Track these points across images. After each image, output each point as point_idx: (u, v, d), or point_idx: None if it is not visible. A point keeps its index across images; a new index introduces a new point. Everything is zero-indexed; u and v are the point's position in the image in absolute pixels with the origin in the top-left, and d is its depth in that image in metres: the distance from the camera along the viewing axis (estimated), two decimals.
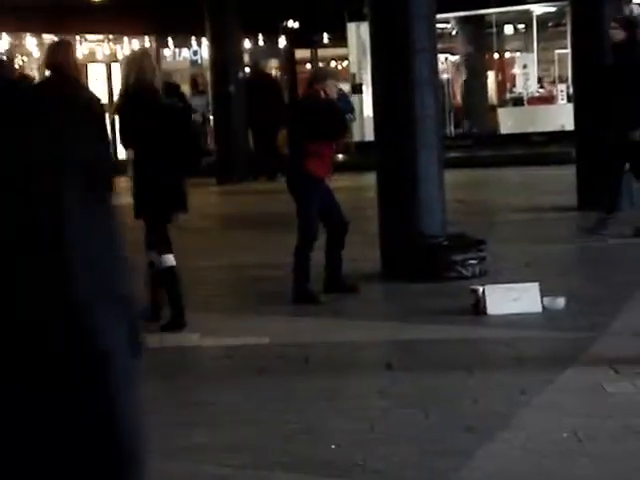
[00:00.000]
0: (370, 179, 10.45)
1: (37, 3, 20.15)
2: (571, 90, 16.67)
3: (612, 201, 10.77)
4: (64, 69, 7.54)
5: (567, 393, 5.72)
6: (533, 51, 23.90)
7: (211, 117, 22.20)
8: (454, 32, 24.83)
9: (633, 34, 10.67)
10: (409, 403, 5.69)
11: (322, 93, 8.51)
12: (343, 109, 8.69)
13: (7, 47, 22.82)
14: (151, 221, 7.82)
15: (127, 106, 7.89)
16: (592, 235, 10.59)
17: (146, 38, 25.11)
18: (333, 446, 5.11)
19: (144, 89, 7.73)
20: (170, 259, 7.84)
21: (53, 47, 7.97)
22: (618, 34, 10.74)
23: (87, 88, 8.21)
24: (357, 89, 23.17)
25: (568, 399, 5.61)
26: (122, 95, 8.07)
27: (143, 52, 8.40)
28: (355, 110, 20.75)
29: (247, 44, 23.89)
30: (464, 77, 24.66)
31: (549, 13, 23.85)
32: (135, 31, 24.53)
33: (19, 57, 23.50)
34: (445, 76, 24.61)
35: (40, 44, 23.75)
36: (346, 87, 22.81)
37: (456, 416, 5.46)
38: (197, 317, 8.22)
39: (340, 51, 26.00)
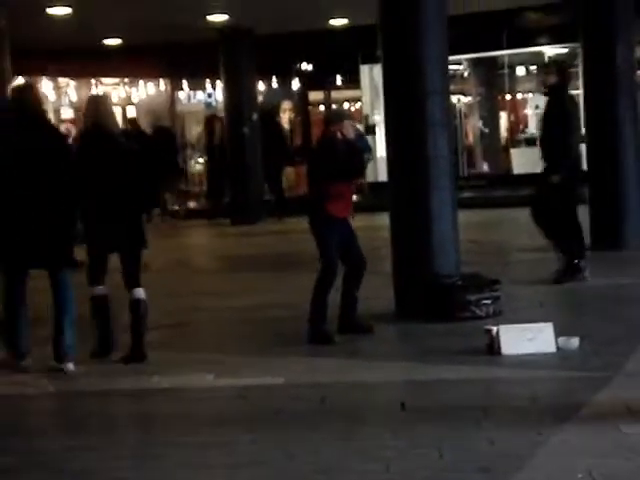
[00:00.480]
0: (383, 219, 10.49)
1: (53, 47, 20.34)
2: (583, 131, 16.71)
3: (579, 246, 10.69)
4: (29, 107, 7.96)
5: (582, 433, 5.70)
6: None
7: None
8: (466, 73, 24.94)
9: (563, 78, 10.71)
10: (424, 443, 5.68)
11: (339, 134, 8.56)
12: (361, 149, 8.76)
13: None
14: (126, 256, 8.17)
15: (84, 148, 8.25)
16: (567, 281, 10.52)
17: (161, 81, 25.28)
18: None
19: (101, 132, 8.13)
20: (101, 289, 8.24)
21: (19, 89, 8.36)
22: (551, 78, 10.76)
23: (53, 126, 8.65)
24: (370, 130, 23.28)
25: (583, 439, 5.59)
26: (79, 137, 8.43)
27: (101, 97, 8.80)
28: (372, 149, 20.86)
29: (261, 86, 24.03)
30: (477, 118, 24.75)
31: (561, 54, 23.93)
32: (150, 74, 24.71)
33: None
34: (457, 117, 24.69)
35: (56, 87, 23.94)
36: (360, 128, 22.91)
37: (471, 457, 5.45)
38: (212, 358, 8.23)
39: (353, 93, 26.13)
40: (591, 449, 5.41)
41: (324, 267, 8.50)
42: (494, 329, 7.75)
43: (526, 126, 25.26)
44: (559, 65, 11.30)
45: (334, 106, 26.43)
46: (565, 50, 23.30)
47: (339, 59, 24.07)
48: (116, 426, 6.61)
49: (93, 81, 24.40)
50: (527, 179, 21.70)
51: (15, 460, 5.87)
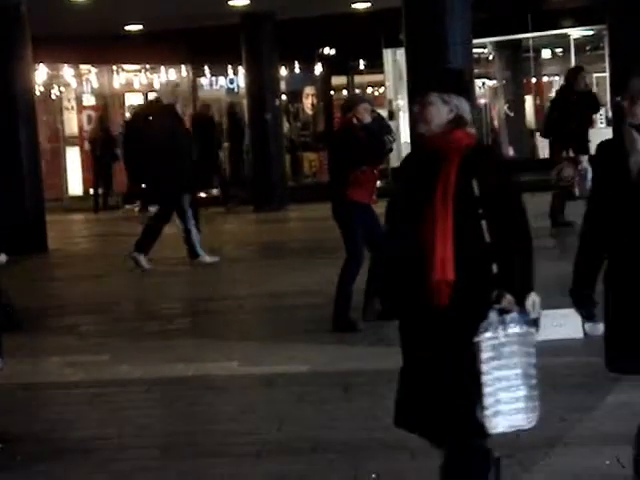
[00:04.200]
0: None
1: (74, 34, 20.33)
2: (610, 114, 16.57)
3: None
4: None
5: (609, 419, 5.64)
6: None
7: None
8: (491, 57, 24.79)
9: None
10: None
11: (355, 120, 8.50)
12: (379, 132, 8.68)
13: (45, 77, 23.03)
14: None
15: None
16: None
17: (183, 67, 25.25)
18: (374, 475, 5.07)
19: None
20: None
21: None
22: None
23: None
24: (393, 115, 23.17)
25: (611, 425, 5.53)
26: None
27: None
28: (393, 131, 20.80)
29: (283, 71, 23.95)
30: (502, 102, 24.61)
31: (587, 37, 23.76)
32: (172, 60, 24.68)
33: (56, 88, 23.70)
34: (482, 101, 24.54)
35: (78, 74, 23.95)
36: (383, 113, 22.79)
37: (496, 443, 5.39)
38: (236, 345, 8.21)
39: (376, 77, 26.01)
40: (619, 435, 5.34)
41: (349, 256, 8.44)
42: None
43: None
44: None
45: (357, 91, 26.34)
46: (591, 32, 23.13)
47: (362, 43, 23.95)
48: (141, 415, 6.59)
49: (114, 68, 24.40)
50: (553, 163, 21.68)
51: (42, 447, 5.89)
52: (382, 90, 25.82)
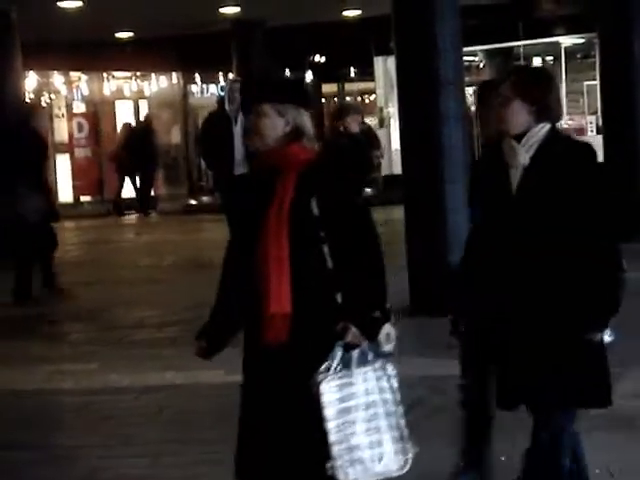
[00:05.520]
0: (398, 212, 10.42)
1: (64, 41, 20.34)
2: (600, 122, 16.59)
3: None
4: None
5: (597, 428, 5.63)
6: (562, 83, 23.87)
7: None
8: (482, 65, 24.86)
9: None
10: (442, 440, 5.62)
11: (342, 128, 8.52)
12: (366, 145, 8.73)
13: (35, 85, 23.01)
14: None
15: None
16: None
17: (173, 74, 25.27)
18: None
19: None
20: None
21: None
22: None
23: None
24: (383, 123, 23.22)
25: (599, 434, 5.52)
26: None
27: None
28: (383, 147, 20.83)
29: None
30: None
31: (577, 45, 23.83)
32: (162, 68, 24.70)
33: (47, 95, 23.70)
34: (474, 108, 24.58)
35: (68, 82, 23.95)
36: (373, 121, 22.86)
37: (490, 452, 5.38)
38: (224, 353, 8.16)
39: (367, 85, 26.07)
40: (607, 444, 5.34)
41: None
42: None
43: None
44: None
45: (348, 98, 26.37)
46: (581, 40, 23.19)
47: (352, 51, 23.99)
48: (129, 423, 6.58)
49: (105, 75, 24.41)
50: None
51: (30, 455, 5.87)
52: (373, 97, 25.86)
